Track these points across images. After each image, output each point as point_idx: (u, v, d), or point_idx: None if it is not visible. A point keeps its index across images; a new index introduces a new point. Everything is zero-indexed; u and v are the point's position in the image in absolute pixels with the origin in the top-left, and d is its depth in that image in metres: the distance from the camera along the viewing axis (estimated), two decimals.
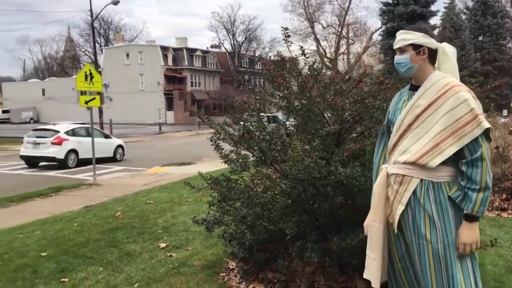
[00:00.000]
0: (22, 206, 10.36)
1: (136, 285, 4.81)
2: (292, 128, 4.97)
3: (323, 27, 49.60)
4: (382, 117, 4.41)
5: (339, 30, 49.24)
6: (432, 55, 2.76)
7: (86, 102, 14.21)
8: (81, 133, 19.02)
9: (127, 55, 62.31)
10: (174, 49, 63.70)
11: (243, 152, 4.81)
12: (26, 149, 18.20)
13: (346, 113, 4.46)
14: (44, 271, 5.30)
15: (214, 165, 12.67)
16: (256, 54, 69.00)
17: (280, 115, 5.79)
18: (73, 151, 18.15)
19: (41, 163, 18.51)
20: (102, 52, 66.39)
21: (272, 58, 64.47)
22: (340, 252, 4.09)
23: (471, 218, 2.57)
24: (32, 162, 18.36)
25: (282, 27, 4.33)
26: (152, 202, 9.54)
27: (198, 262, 5.50)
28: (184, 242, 6.35)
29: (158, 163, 18.48)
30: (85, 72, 14.04)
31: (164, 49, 62.14)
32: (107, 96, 59.33)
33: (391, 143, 2.88)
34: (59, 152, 17.65)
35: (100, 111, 34.36)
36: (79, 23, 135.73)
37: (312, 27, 48.14)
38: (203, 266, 5.35)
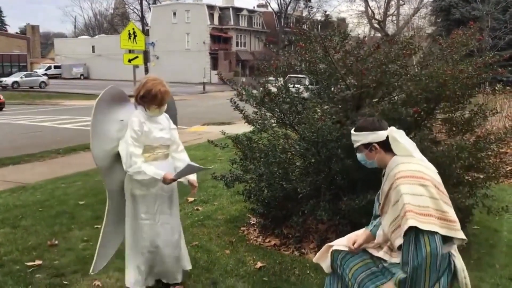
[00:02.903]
0: (68, 158, 10.95)
1: None
2: (312, 91, 5.09)
3: None
4: (400, 83, 4.50)
5: None
6: (386, 144, 2.87)
7: (129, 61, 14.59)
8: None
9: (174, 13, 62.56)
10: (221, 8, 63.47)
11: (267, 113, 5.00)
12: None
13: (368, 78, 4.55)
14: (80, 218, 5.76)
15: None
16: (303, 15, 67.83)
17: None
18: None
19: None
20: (150, 10, 66.96)
21: (319, 19, 63.32)
22: (350, 211, 4.27)
23: None
24: None
25: None
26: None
27: (222, 216, 5.82)
28: (212, 197, 6.69)
29: (199, 122, 18.88)
30: (129, 31, 14.37)
31: (211, 8, 62.00)
32: (154, 54, 60.16)
33: None
34: None
35: (146, 69, 34.99)
36: None
37: None
38: (226, 220, 5.67)
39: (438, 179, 2.76)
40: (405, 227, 2.55)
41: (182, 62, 59.83)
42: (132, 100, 3.73)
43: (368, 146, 2.94)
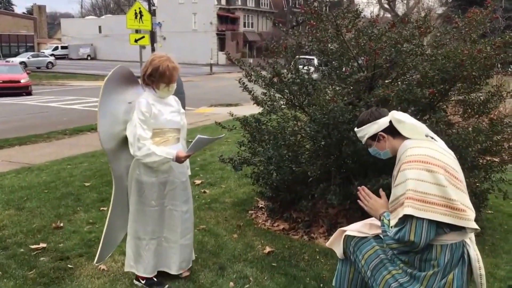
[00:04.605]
0: (74, 139, 10.89)
1: None
2: (323, 72, 4.94)
3: None
4: (415, 63, 4.33)
5: None
6: (391, 129, 2.76)
7: (136, 41, 14.43)
8: None
9: None
10: None
11: (276, 94, 4.85)
12: None
13: (381, 58, 4.39)
14: (85, 200, 5.68)
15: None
16: None
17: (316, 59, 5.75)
18: None
19: None
20: None
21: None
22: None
23: None
24: None
25: None
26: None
27: (229, 199, 5.72)
28: (219, 180, 6.59)
29: (206, 104, 18.75)
30: (135, 10, 14.19)
31: None
32: (161, 35, 59.74)
33: None
34: None
35: (153, 50, 34.66)
36: None
37: None
38: (233, 203, 5.57)
39: (452, 163, 2.63)
40: (401, 214, 2.50)
41: (189, 43, 59.39)
42: (141, 81, 3.57)
43: (375, 137, 2.84)
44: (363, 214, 4.53)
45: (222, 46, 60.79)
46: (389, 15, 39.94)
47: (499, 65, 4.35)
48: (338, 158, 4.44)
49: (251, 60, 42.50)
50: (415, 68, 4.43)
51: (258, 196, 5.42)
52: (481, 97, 4.52)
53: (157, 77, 3.34)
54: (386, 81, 4.74)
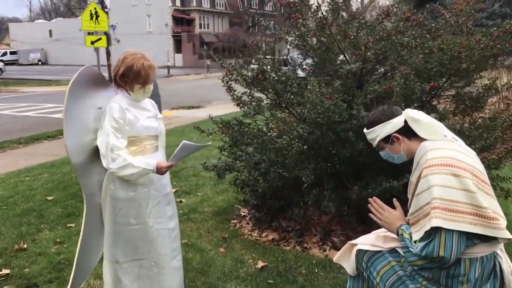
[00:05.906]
0: (30, 148, 10.19)
1: None
2: (309, 70, 4.62)
3: None
4: (408, 56, 4.07)
5: None
6: (407, 130, 2.47)
7: (92, 43, 13.79)
8: None
9: None
10: None
11: (256, 94, 4.50)
12: None
13: (369, 52, 4.11)
14: (50, 216, 5.15)
15: (223, 109, 12.46)
16: None
17: (294, 56, 5.43)
18: None
19: None
20: None
21: None
22: (359, 201, 3.84)
23: None
24: None
25: None
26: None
27: (208, 208, 5.32)
28: (194, 187, 6.18)
29: (167, 107, 18.15)
30: (90, 11, 13.54)
31: None
32: (115, 38, 58.23)
33: None
34: None
35: (108, 53, 33.65)
36: None
37: None
38: (213, 212, 5.17)
39: (477, 164, 2.34)
40: (428, 227, 2.19)
41: (144, 45, 57.75)
42: (112, 84, 3.11)
43: (388, 139, 2.52)
44: (358, 219, 4.25)
45: (178, 48, 59.95)
46: (344, 14, 40.32)
47: (504, 57, 4.12)
48: (330, 161, 4.12)
49: (208, 62, 41.95)
50: (406, 62, 4.16)
51: (240, 204, 5.05)
52: (477, 91, 4.29)
53: (131, 78, 2.90)
54: (374, 77, 4.48)
